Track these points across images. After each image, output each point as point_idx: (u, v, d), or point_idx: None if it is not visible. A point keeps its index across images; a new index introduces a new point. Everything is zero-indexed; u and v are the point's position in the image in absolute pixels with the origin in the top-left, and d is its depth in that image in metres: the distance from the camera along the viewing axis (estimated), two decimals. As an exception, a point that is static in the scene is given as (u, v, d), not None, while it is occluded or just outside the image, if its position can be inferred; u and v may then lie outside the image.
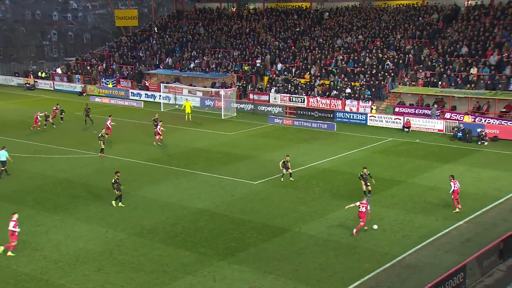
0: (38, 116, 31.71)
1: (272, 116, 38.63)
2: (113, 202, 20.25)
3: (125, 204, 20.42)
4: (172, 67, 50.02)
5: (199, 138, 31.65)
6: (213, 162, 26.35)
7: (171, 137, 31.79)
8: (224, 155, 27.69)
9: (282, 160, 23.11)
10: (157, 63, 51.57)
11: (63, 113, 34.76)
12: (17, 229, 16.49)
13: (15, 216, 16.66)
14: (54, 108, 36.13)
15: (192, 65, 48.95)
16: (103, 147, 27.31)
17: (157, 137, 29.27)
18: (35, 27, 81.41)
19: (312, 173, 24.51)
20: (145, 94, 47.52)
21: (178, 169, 25.25)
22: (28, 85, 54.07)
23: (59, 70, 55.85)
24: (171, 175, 24.36)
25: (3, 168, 24.16)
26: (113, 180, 20.26)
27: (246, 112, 41.50)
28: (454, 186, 19.18)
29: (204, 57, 49.87)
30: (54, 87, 53.52)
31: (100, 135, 27.53)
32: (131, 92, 48.36)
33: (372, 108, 34.66)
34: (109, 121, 30.94)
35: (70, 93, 50.88)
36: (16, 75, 58.29)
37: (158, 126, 29.33)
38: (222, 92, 40.71)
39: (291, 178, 22.99)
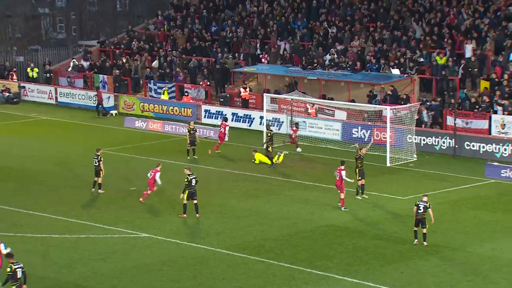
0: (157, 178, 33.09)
1: (495, 164, 38.25)
2: None
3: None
4: (287, 60, 51.73)
5: (336, 206, 33.09)
6: (366, 256, 27.38)
7: (279, 201, 33.96)
8: (390, 241, 28.68)
9: (415, 203, 28.34)
10: (259, 52, 53.69)
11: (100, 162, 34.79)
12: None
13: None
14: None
15: (328, 57, 50.18)
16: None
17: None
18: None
19: None
20: (233, 114, 49.57)
21: (293, 267, 26.39)
22: (7, 94, 58.24)
23: (70, 65, 59.93)
24: (281, 278, 25.53)
25: None
26: None
27: (438, 153, 41.57)
28: None
29: (352, 40, 50.96)
30: (56, 98, 57.72)
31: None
32: (205, 111, 50.79)
33: None
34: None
35: (90, 111, 54.61)
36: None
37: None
38: (388, 112, 40.96)
39: (424, 243, 28.14)
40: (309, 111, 46.38)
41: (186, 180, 31.19)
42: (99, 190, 34.77)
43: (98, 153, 34.69)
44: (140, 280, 25.25)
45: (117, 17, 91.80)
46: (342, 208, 32.37)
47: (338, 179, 32.27)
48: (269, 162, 39.58)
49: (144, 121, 49.58)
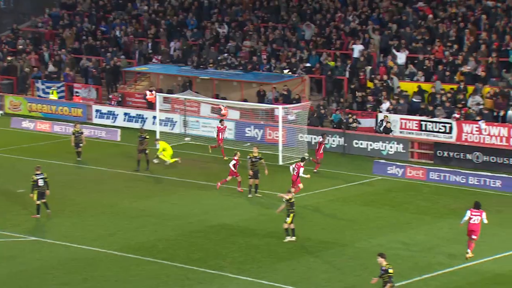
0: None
1: (381, 161, 39.15)
2: None
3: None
4: (179, 59, 51.72)
5: (230, 205, 33.54)
6: (259, 254, 27.87)
7: (173, 201, 34.05)
8: (282, 238, 29.18)
9: (286, 199, 28.47)
10: (150, 51, 53.60)
11: None
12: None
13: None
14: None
15: (219, 57, 50.56)
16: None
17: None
18: None
19: (471, 282, 25.55)
20: (125, 114, 49.31)
21: (187, 267, 26.56)
22: None
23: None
24: (175, 279, 25.65)
25: None
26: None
27: (328, 151, 41.95)
28: (470, 217, 26.24)
29: (244, 40, 51.43)
30: None
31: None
32: (96, 111, 50.24)
33: None
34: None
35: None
36: None
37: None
38: (280, 111, 41.48)
39: (289, 238, 28.67)
40: (222, 112, 46.00)
41: (32, 180, 31.12)
42: None
43: None
44: (29, 285, 24.90)
45: (0, 15, 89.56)
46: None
47: (295, 174, 32.90)
48: (169, 158, 39.21)
49: (32, 121, 48.64)
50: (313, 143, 42.48)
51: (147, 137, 38.76)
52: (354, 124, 41.80)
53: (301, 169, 32.94)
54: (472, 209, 26.36)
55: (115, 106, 49.60)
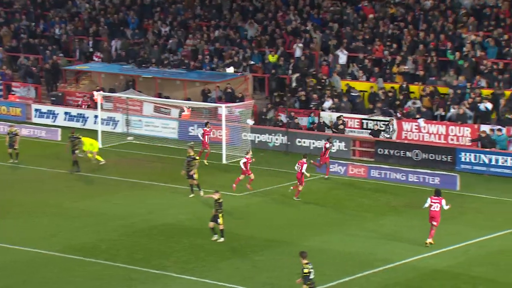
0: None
1: (325, 159, 39.78)
2: None
3: None
4: (122, 58, 51.44)
5: (174, 204, 33.52)
6: (203, 253, 27.94)
7: (116, 201, 34.00)
8: (226, 237, 29.23)
9: (214, 199, 28.68)
10: (91, 50, 53.20)
11: None
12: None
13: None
14: None
15: (161, 55, 50.42)
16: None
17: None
18: None
19: (409, 278, 25.83)
20: (66, 113, 48.80)
21: (130, 267, 26.55)
22: None
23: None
24: (118, 279, 25.63)
25: None
26: None
27: (272, 150, 42.46)
28: (431, 204, 27.92)
29: (187, 39, 51.34)
30: None
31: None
32: (36, 110, 49.79)
33: None
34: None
35: None
36: None
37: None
38: (224, 110, 41.61)
39: (221, 239, 28.69)
40: (184, 113, 45.47)
41: None
42: None
43: None
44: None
45: None
46: (295, 198, 33.62)
47: (298, 171, 33.32)
48: (96, 149, 38.82)
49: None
50: (256, 142, 42.70)
51: (80, 137, 38.25)
52: (342, 126, 41.77)
53: (304, 166, 33.32)
54: (432, 197, 27.96)
55: (85, 109, 48.87)
